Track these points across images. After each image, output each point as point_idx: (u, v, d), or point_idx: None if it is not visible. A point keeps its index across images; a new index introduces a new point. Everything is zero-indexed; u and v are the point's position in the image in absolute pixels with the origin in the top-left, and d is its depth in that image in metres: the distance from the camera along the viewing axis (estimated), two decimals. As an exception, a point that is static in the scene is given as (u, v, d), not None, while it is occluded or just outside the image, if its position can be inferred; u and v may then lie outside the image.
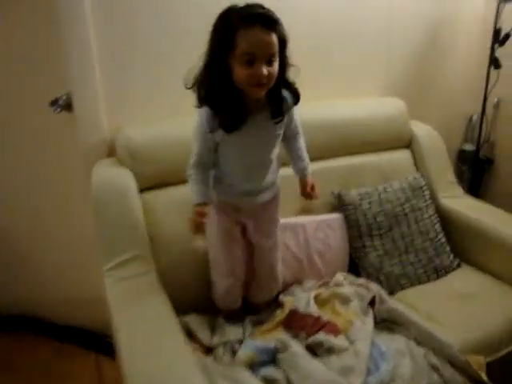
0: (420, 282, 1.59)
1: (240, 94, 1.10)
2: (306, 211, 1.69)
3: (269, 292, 1.45)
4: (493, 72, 2.00)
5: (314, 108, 1.74)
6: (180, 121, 1.55)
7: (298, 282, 1.53)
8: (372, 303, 1.37)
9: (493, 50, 1.96)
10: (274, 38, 1.04)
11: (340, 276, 1.51)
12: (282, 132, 1.23)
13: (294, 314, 1.34)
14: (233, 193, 1.28)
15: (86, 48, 1.48)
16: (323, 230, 1.60)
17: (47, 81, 1.63)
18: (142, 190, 1.48)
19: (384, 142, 1.87)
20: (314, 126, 1.67)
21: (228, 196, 1.29)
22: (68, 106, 1.58)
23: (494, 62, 1.96)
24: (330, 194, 1.69)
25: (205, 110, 1.13)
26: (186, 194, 1.50)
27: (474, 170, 2.19)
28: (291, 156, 1.34)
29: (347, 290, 1.40)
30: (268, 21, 1.03)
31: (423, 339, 1.23)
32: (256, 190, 1.28)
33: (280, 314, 1.37)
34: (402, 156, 1.90)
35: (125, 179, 1.45)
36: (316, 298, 1.38)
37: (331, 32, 1.83)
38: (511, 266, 1.55)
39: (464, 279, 1.59)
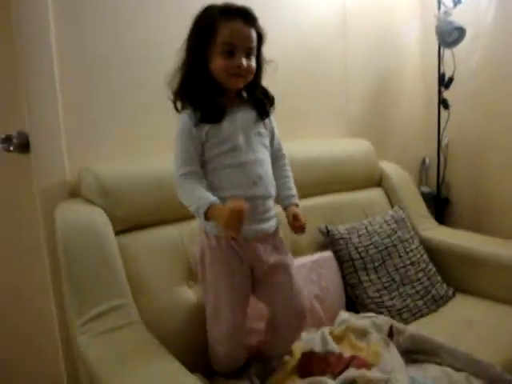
0: (422, 315, 1.50)
1: (218, 87, 1.09)
2: (293, 252, 1.58)
3: (297, 332, 1.22)
4: (443, 115, 2.13)
5: (288, 147, 1.68)
6: (151, 158, 1.45)
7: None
8: (389, 335, 1.24)
9: (440, 92, 2.09)
10: (253, 32, 1.07)
11: (345, 314, 1.37)
12: (266, 133, 1.18)
13: (309, 356, 1.16)
14: None
15: (50, 83, 1.35)
16: (316, 271, 1.47)
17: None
18: (116, 233, 1.28)
19: (358, 181, 1.86)
20: (290, 164, 1.61)
21: None
22: (20, 146, 1.39)
23: (443, 103, 2.09)
24: (316, 232, 1.60)
25: (185, 112, 1.09)
26: (166, 236, 1.36)
27: (437, 211, 2.23)
28: (277, 185, 1.21)
29: (362, 322, 1.26)
30: (248, 16, 1.06)
31: (461, 363, 1.11)
32: (253, 211, 1.09)
33: (291, 360, 1.18)
34: (376, 193, 1.89)
35: (98, 219, 1.26)
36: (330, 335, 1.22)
37: (293, 79, 1.85)
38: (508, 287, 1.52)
39: (466, 306, 1.53)
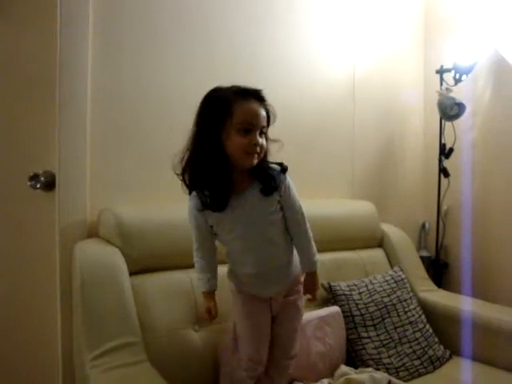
0: (419, 374, 1.53)
1: (229, 169, 1.11)
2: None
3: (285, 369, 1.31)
4: (443, 183, 2.24)
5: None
6: (168, 205, 1.53)
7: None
8: (387, 390, 1.27)
9: (440, 161, 2.22)
10: (264, 112, 1.11)
11: (345, 368, 1.41)
12: (276, 209, 1.17)
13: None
14: (242, 283, 1.25)
15: (82, 130, 1.48)
16: (322, 328, 1.48)
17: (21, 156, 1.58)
18: (130, 273, 1.35)
19: (360, 241, 1.94)
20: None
21: (240, 285, 1.26)
22: (46, 185, 1.49)
23: (444, 172, 2.20)
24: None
25: (192, 195, 1.16)
26: (176, 280, 1.42)
27: (435, 275, 2.28)
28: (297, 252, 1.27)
29: (361, 376, 1.29)
30: (260, 96, 1.11)
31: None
32: (264, 281, 1.21)
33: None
34: (377, 254, 1.96)
35: (115, 258, 1.33)
36: (329, 387, 1.26)
37: (302, 142, 1.99)
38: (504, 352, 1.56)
39: (461, 369, 1.55)
